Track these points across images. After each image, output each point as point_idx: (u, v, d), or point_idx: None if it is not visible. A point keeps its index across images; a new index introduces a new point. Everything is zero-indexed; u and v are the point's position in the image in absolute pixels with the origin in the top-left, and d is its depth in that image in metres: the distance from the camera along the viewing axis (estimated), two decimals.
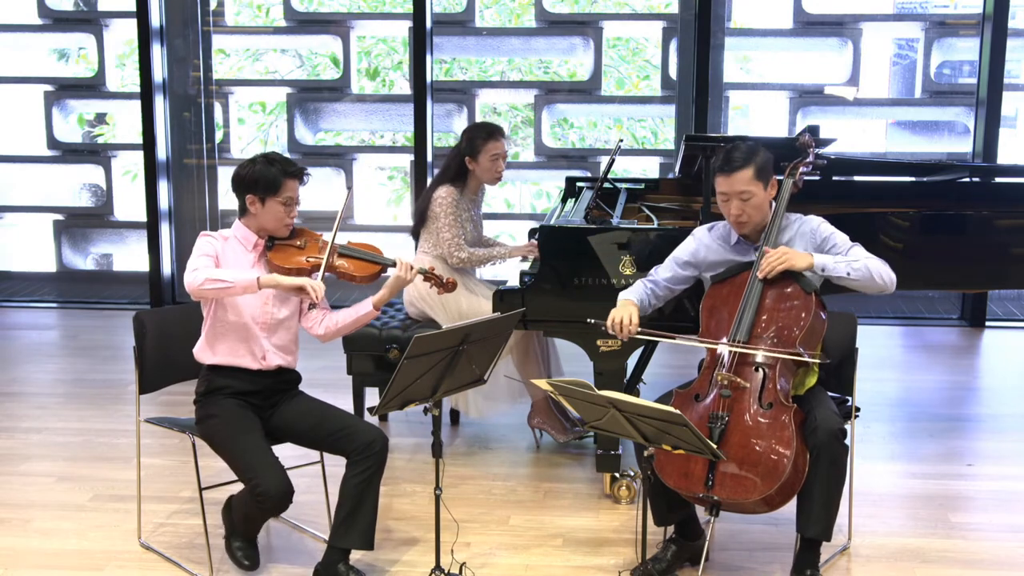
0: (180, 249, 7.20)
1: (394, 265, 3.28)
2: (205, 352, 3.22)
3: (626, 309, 3.31)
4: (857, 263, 3.17)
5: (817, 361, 3.13)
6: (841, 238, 3.29)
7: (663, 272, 3.47)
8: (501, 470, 4.21)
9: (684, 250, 3.44)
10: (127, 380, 5.40)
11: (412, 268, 3.28)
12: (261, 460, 3.01)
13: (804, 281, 3.17)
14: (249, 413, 3.16)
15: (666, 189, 4.85)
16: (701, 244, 3.41)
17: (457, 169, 4.33)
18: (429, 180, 6.85)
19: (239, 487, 3.59)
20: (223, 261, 3.15)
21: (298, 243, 3.26)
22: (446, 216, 4.24)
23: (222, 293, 3.04)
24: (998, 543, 3.52)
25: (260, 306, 3.20)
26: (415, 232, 4.46)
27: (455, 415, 4.79)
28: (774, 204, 3.30)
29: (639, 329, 3.27)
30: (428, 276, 3.35)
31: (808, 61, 7.83)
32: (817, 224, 3.32)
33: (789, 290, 3.16)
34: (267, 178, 3.13)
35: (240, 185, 3.17)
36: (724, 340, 3.13)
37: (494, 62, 9.41)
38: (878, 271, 3.18)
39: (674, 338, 3.27)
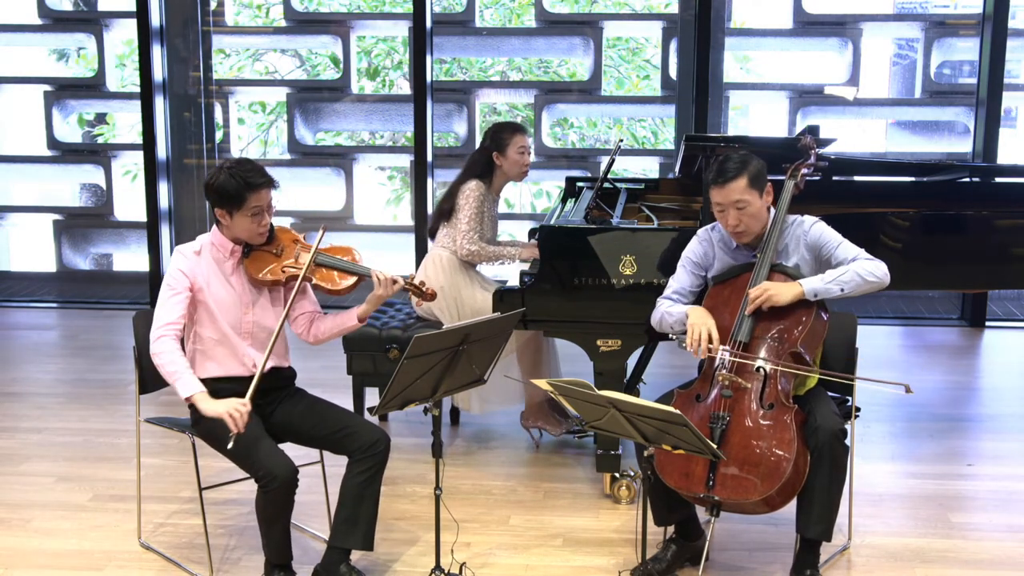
0: None
1: (370, 276, 3.20)
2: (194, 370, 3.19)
3: (704, 322, 3.13)
4: (845, 275, 3.11)
5: (852, 381, 3.09)
6: (835, 237, 3.25)
7: (684, 279, 3.40)
8: (501, 470, 4.21)
9: (693, 253, 3.41)
10: (127, 380, 5.40)
11: (392, 282, 3.20)
12: (261, 445, 3.00)
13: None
14: None
15: (666, 189, 4.85)
16: (708, 244, 3.39)
17: (484, 166, 4.36)
18: (429, 180, 6.91)
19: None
20: (198, 279, 3.13)
21: (274, 250, 3.21)
22: (469, 208, 4.27)
23: (162, 373, 3.06)
24: (998, 543, 3.52)
25: (240, 316, 3.18)
26: (433, 229, 4.45)
27: (455, 415, 4.79)
28: (772, 210, 3.29)
29: (720, 349, 3.07)
30: (408, 286, 3.26)
31: (808, 61, 7.84)
32: (810, 226, 3.28)
33: None
34: (230, 192, 3.06)
35: (208, 196, 3.13)
36: (761, 357, 3.08)
37: (494, 62, 9.42)
38: (868, 272, 3.13)
39: (753, 359, 3.07)
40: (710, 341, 3.10)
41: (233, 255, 3.19)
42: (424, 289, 3.27)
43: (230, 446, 2.93)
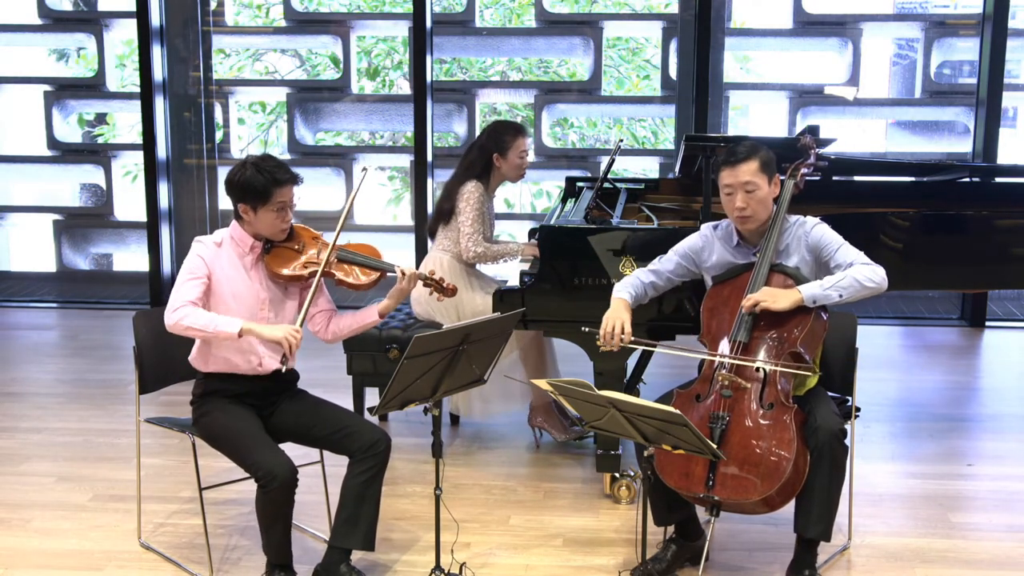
0: (180, 249, 7.20)
1: (393, 271, 3.24)
2: (199, 361, 3.20)
3: (618, 316, 3.29)
4: (844, 281, 3.11)
5: (814, 375, 3.13)
6: (835, 239, 3.26)
7: (667, 264, 3.45)
8: (501, 470, 4.21)
9: (687, 243, 3.43)
10: (127, 380, 5.40)
11: (416, 277, 3.25)
12: (260, 445, 3.00)
13: (804, 281, 3.16)
14: (247, 410, 3.15)
15: (666, 189, 4.85)
16: (706, 240, 3.40)
17: (483, 166, 4.35)
18: (429, 180, 6.91)
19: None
20: (217, 271, 3.12)
21: (296, 246, 3.21)
22: (472, 210, 4.26)
23: (199, 337, 3.05)
24: (998, 543, 3.52)
25: (256, 312, 3.17)
26: (432, 229, 4.45)
27: (455, 415, 4.78)
28: (775, 206, 3.29)
29: (631, 339, 3.25)
30: (428, 281, 3.30)
31: (808, 61, 7.84)
32: (812, 227, 3.28)
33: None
34: (256, 187, 3.06)
35: (231, 191, 3.12)
36: (722, 353, 3.14)
37: (494, 62, 9.42)
38: (866, 278, 3.12)
39: (655, 346, 3.31)
40: (623, 333, 3.22)
41: (253, 251, 3.19)
42: (444, 284, 3.31)
43: (283, 370, 3.06)
